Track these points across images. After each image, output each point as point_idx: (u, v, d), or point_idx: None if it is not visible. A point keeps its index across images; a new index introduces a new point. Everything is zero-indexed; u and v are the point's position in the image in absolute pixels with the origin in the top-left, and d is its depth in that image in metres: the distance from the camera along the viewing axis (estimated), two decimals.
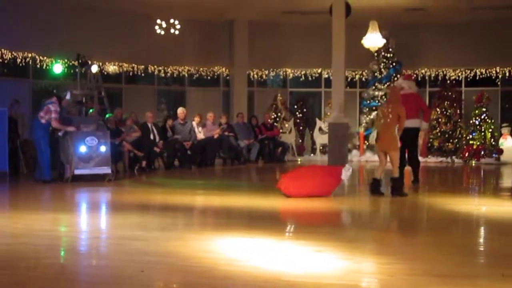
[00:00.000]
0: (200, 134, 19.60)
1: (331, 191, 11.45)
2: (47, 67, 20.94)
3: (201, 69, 25.49)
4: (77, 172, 13.79)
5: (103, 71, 22.59)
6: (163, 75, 25.00)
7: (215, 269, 5.73)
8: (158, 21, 21.10)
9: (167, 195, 12.26)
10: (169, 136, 18.71)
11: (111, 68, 23.42)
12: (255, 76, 26.19)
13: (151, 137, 17.96)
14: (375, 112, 23.53)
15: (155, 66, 24.59)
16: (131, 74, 24.18)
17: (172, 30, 21.22)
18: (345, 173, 11.40)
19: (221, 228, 8.03)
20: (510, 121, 24.73)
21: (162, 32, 21.21)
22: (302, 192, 11.09)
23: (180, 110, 19.74)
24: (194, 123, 19.65)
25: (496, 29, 24.37)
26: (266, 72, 26.36)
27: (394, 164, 11.48)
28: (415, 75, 24.11)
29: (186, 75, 25.43)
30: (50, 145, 13.96)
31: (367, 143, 23.47)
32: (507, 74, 24.91)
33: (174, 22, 21.19)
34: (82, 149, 13.82)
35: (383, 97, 23.62)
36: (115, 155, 15.31)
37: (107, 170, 14.08)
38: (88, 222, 9.18)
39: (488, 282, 5.40)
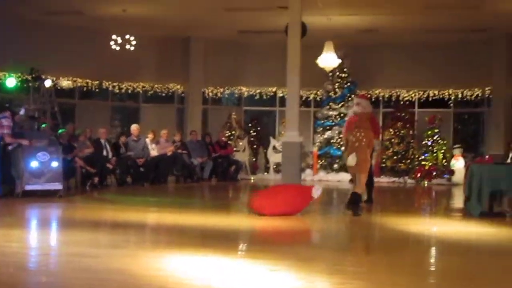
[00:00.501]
0: (154, 151, 19.51)
1: (302, 210, 11.60)
2: (0, 81, 20.70)
3: (156, 85, 25.40)
4: (28, 187, 13.58)
5: (56, 85, 22.41)
6: (117, 91, 24.85)
7: (166, 287, 5.69)
8: (114, 36, 21.00)
9: (119, 212, 12.15)
10: (122, 152, 18.59)
11: (65, 83, 23.24)
12: (210, 94, 26.17)
13: (104, 153, 17.82)
14: (329, 132, 23.80)
15: (110, 82, 24.44)
16: (85, 89, 23.99)
17: (127, 46, 21.12)
18: (316, 192, 11.60)
19: (173, 246, 7.98)
20: (462, 142, 25.05)
21: (118, 48, 21.11)
22: (276, 211, 11.16)
23: (134, 127, 19.64)
24: (148, 140, 19.55)
25: (450, 52, 24.71)
26: (221, 90, 26.36)
27: (362, 183, 12.03)
28: (369, 95, 24.31)
29: (141, 91, 25.32)
30: (1, 160, 13.76)
31: (320, 163, 23.61)
32: (460, 96, 25.23)
33: (129, 38, 21.10)
34: (34, 164, 13.63)
35: (337, 117, 23.79)
36: (67, 171, 15.12)
37: (58, 186, 13.89)
38: (39, 239, 9.05)
39: None
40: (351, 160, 12.05)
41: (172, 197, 16.57)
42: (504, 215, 12.32)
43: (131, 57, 22.13)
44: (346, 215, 11.82)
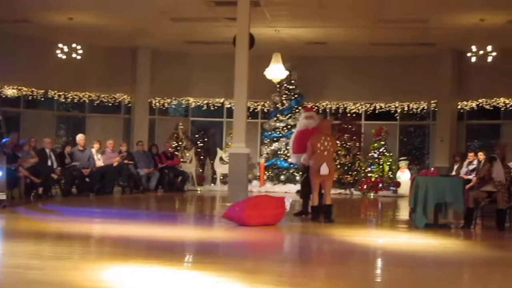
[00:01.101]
0: (99, 162, 19.32)
1: (279, 221, 11.97)
2: None
3: (103, 95, 25.20)
4: None
5: (1, 94, 22.12)
6: (63, 100, 24.58)
7: None
8: (60, 45, 20.77)
9: (63, 223, 11.98)
10: (68, 162, 18.39)
11: (10, 91, 22.94)
12: (157, 104, 26.04)
13: (49, 163, 17.61)
14: (276, 143, 23.85)
15: (55, 91, 24.16)
16: (30, 98, 23.68)
17: (74, 55, 20.90)
18: (288, 203, 12.01)
19: (118, 258, 7.89)
20: (407, 154, 25.34)
21: (64, 57, 20.88)
22: (261, 221, 11.46)
23: (80, 137, 19.41)
24: (94, 150, 19.35)
25: (397, 65, 25.00)
26: (168, 100, 26.26)
27: (329, 192, 12.74)
28: (316, 107, 24.44)
29: (87, 101, 25.07)
30: None
31: (267, 174, 23.66)
32: (406, 109, 25.49)
33: (76, 47, 20.88)
34: None
35: (284, 128, 23.86)
36: (11, 180, 14.90)
37: (2, 196, 13.65)
38: None
39: None
40: (325, 169, 12.29)
41: (117, 208, 16.40)
42: (448, 227, 12.48)
43: (77, 66, 21.87)
44: (293, 226, 11.85)
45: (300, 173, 15.26)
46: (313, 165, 12.64)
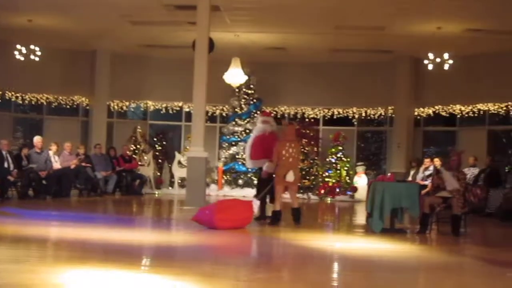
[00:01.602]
0: (57, 164, 19.19)
1: (248, 224, 12.16)
2: None
3: (61, 97, 25.04)
4: None
5: None
6: (20, 102, 24.39)
7: None
8: (18, 46, 20.62)
9: (20, 225, 11.86)
10: (24, 165, 18.23)
11: None
12: (116, 107, 25.95)
13: (5, 165, 17.43)
14: (235, 147, 23.88)
15: (13, 93, 23.97)
16: None
17: (32, 57, 20.77)
18: (255, 207, 12.23)
19: (75, 261, 7.85)
20: (364, 160, 25.54)
21: (22, 58, 20.73)
22: (230, 225, 11.62)
23: (37, 139, 19.24)
24: (51, 153, 19.21)
25: (355, 71, 25.22)
26: (127, 103, 26.18)
27: (295, 196, 13.21)
28: (274, 112, 24.55)
29: (45, 103, 24.91)
30: None
31: (225, 178, 23.69)
32: (363, 114, 25.70)
33: (34, 49, 20.74)
34: None
35: (243, 132, 23.91)
36: None
37: None
38: None
39: None
40: (291, 176, 12.38)
41: (75, 211, 16.28)
42: (404, 232, 12.60)
43: (35, 68, 21.77)
44: (252, 231, 11.90)
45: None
46: (278, 172, 12.72)
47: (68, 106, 25.33)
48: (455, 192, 12.18)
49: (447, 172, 12.41)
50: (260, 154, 13.22)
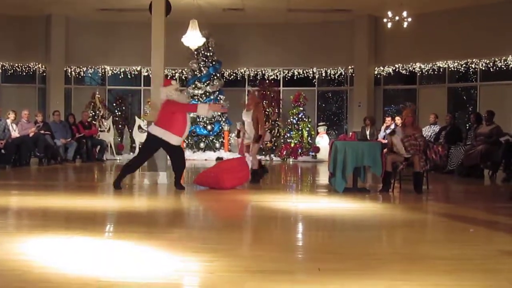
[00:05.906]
0: (15, 133, 18.94)
1: (247, 180, 13.20)
2: None
3: (16, 64, 24.70)
4: None
5: None
6: None
7: (29, 272, 5.49)
8: None
9: None
10: None
11: None
12: (73, 73, 25.67)
13: None
14: None
15: None
16: None
17: None
18: (249, 162, 12.99)
19: (36, 230, 7.73)
20: (326, 120, 25.61)
21: None
22: (235, 183, 12.70)
23: None
24: (8, 121, 18.95)
25: (314, 31, 25.21)
26: (84, 69, 25.90)
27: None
28: (234, 74, 24.45)
29: (0, 70, 24.56)
30: None
31: (186, 142, 23.60)
32: (323, 74, 25.71)
33: None
34: None
35: (203, 95, 23.82)
36: None
37: None
38: None
39: (305, 277, 5.50)
40: (269, 136, 13.38)
41: (35, 180, 16.10)
42: (367, 191, 12.64)
43: None
44: (213, 193, 11.88)
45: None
46: (262, 134, 13.92)
47: (24, 73, 25.00)
48: (416, 150, 12.26)
49: (397, 136, 12.51)
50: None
